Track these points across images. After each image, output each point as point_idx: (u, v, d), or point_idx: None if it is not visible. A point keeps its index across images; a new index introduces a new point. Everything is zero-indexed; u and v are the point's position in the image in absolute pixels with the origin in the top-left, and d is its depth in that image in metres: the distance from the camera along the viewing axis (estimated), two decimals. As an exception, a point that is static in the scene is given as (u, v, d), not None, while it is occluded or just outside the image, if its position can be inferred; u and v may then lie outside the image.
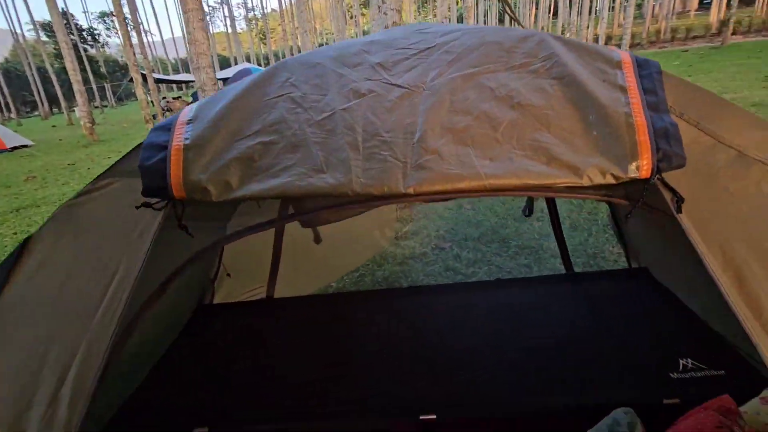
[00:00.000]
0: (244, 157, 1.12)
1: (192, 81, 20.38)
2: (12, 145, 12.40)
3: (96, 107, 30.40)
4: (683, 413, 1.20)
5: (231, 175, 1.10)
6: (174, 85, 32.56)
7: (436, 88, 1.16)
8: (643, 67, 1.16)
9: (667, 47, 24.14)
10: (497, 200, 4.53)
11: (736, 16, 20.82)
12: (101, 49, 43.72)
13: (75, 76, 12.49)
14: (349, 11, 41.25)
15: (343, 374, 1.65)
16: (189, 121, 1.20)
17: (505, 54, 1.22)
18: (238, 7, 63.15)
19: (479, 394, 1.49)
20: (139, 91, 13.22)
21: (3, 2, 36.91)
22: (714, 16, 27.12)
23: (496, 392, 1.49)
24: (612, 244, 3.23)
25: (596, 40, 24.15)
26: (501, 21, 30.62)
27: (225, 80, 17.91)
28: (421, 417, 1.42)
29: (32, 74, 27.16)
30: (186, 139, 1.15)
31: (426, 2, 48.37)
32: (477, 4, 31.83)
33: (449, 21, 32.76)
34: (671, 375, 1.45)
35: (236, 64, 29.99)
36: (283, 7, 39.53)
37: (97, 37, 41.64)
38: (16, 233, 5.16)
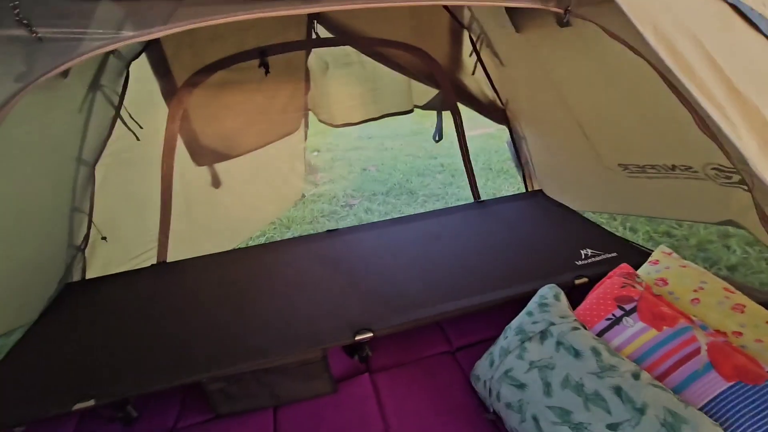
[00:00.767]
0: None
1: None
2: None
3: None
4: (592, 287, 1.36)
5: None
6: None
7: None
8: None
9: None
10: (400, 158, 4.62)
11: None
12: None
13: None
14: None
15: (265, 316, 1.48)
16: None
17: None
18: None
19: (411, 305, 1.47)
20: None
21: None
22: None
23: (428, 300, 1.49)
24: (509, 183, 3.52)
25: None
26: None
27: None
28: (357, 337, 1.34)
29: None
30: None
31: None
32: None
33: None
34: (576, 263, 1.63)
35: None
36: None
37: None
38: None
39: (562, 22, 1.05)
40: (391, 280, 1.63)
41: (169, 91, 1.83)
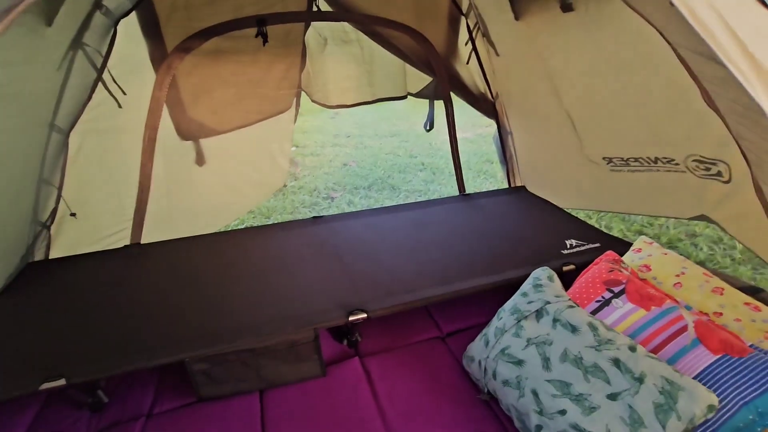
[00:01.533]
0: None
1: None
2: None
3: None
4: (579, 273, 1.40)
5: None
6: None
7: None
8: None
9: None
10: (380, 156, 4.61)
11: None
12: None
13: None
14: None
15: (251, 299, 1.42)
16: None
17: None
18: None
19: (402, 289, 1.45)
20: None
21: None
22: None
23: (419, 284, 1.48)
24: (489, 182, 3.58)
25: None
26: None
27: None
28: (351, 318, 1.31)
29: None
30: None
31: None
32: None
33: None
34: (563, 252, 1.67)
35: None
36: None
37: None
38: None
39: (565, 5, 1.08)
40: (381, 264, 1.61)
41: (159, 56, 1.70)
